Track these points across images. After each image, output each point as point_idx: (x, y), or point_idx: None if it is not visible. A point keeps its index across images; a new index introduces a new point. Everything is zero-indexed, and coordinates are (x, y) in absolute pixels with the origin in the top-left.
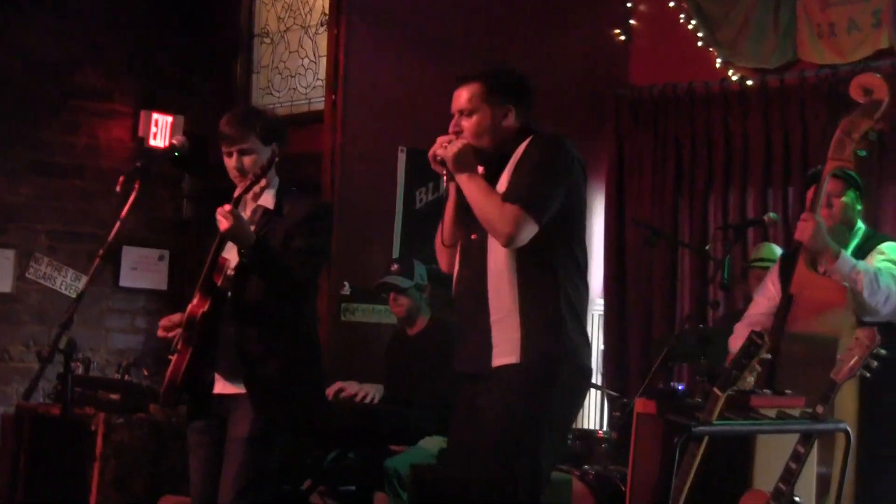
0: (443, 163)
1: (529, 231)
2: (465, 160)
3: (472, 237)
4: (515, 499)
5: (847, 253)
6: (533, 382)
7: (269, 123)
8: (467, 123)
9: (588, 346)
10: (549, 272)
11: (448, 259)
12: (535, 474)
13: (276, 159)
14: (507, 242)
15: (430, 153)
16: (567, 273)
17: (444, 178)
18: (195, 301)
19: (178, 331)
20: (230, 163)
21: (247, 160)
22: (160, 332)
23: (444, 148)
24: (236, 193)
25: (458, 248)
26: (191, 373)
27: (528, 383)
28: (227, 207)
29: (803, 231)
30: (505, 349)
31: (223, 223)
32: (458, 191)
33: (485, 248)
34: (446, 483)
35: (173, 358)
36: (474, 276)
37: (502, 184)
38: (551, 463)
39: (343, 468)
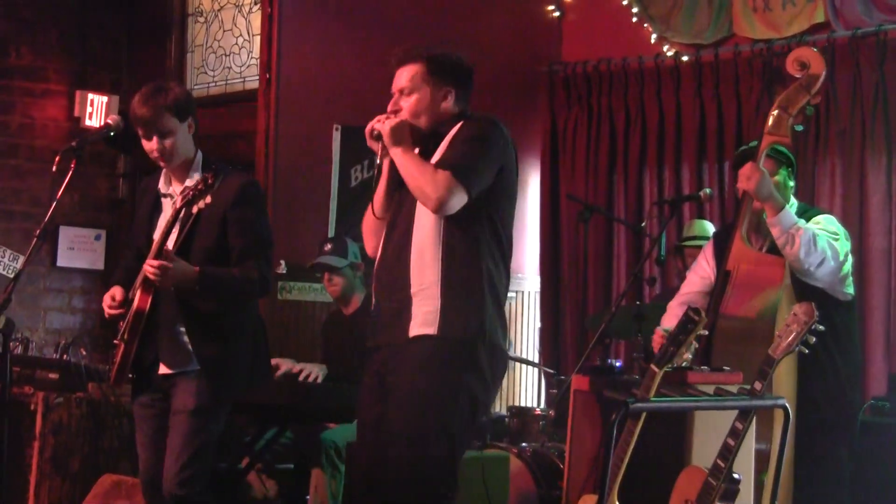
0: (378, 137)
1: (460, 199)
2: (400, 135)
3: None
4: (431, 476)
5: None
6: (449, 363)
7: (179, 97)
8: (406, 102)
9: (504, 328)
10: (474, 250)
11: (375, 242)
12: (451, 454)
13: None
14: (438, 207)
15: (368, 128)
16: (491, 254)
17: (379, 153)
18: (139, 296)
19: (123, 310)
20: (150, 146)
21: (167, 143)
22: (108, 312)
23: (382, 123)
24: (177, 206)
25: (385, 229)
26: (138, 357)
27: (444, 364)
28: (156, 263)
29: (749, 180)
30: (423, 320)
31: (158, 282)
32: (391, 167)
33: (411, 221)
34: (369, 463)
35: (121, 345)
36: (397, 250)
37: (434, 161)
38: (465, 444)
39: (280, 446)
